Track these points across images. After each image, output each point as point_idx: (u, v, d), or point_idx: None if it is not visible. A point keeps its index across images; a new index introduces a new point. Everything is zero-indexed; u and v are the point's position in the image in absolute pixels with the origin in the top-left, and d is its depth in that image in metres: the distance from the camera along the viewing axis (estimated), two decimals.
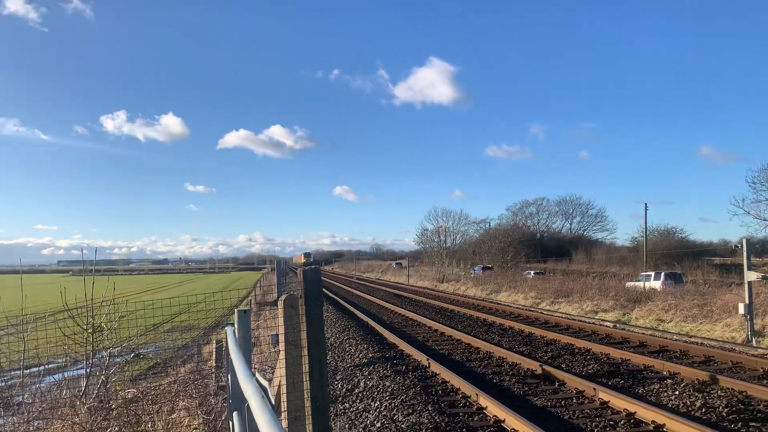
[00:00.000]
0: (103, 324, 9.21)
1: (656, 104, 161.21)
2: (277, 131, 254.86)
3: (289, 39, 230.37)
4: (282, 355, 5.75)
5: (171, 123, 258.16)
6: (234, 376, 3.27)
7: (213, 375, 9.98)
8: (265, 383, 3.36)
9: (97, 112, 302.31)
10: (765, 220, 42.57)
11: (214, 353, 11.24)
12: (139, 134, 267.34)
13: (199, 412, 6.91)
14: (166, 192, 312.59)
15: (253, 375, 2.72)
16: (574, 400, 9.75)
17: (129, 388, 8.18)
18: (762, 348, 15.57)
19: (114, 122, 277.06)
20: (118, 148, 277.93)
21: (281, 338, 5.80)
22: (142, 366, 15.10)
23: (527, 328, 19.21)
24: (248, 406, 2.18)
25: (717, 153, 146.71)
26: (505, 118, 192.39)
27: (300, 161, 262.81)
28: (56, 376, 10.83)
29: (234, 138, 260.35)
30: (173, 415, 6.89)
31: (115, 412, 6.84)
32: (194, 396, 7.53)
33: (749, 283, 17.21)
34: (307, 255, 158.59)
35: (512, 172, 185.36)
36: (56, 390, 9.51)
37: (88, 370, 8.70)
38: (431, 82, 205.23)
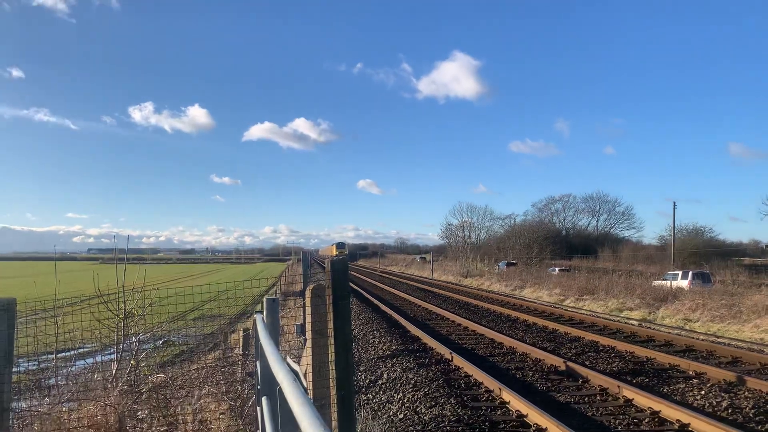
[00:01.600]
0: (134, 310, 9.43)
1: (684, 100, 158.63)
2: (301, 124, 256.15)
3: (312, 32, 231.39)
4: (309, 343, 5.85)
5: (197, 114, 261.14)
6: (264, 361, 3.35)
7: (239, 362, 10.15)
8: (296, 368, 3.44)
9: (125, 103, 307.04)
10: None
11: (241, 341, 11.42)
12: (165, 125, 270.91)
13: (225, 398, 7.05)
14: (193, 183, 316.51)
15: (284, 360, 2.81)
16: (598, 397, 9.72)
17: (158, 374, 8.38)
18: None
19: (141, 113, 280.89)
20: (146, 139, 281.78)
21: (308, 327, 5.90)
22: (170, 352, 15.39)
23: (551, 325, 19.13)
24: (279, 390, 2.25)
25: (747, 151, 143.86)
26: (530, 113, 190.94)
27: (324, 154, 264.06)
28: (88, 360, 11.09)
29: (259, 130, 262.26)
30: (201, 401, 7.04)
31: (144, 396, 7.02)
32: (221, 383, 7.68)
33: None
34: (340, 246, 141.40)
35: (537, 167, 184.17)
36: (87, 373, 9.77)
37: (119, 355, 8.92)
38: (455, 76, 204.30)
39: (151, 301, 10.12)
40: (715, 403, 9.27)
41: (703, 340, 16.30)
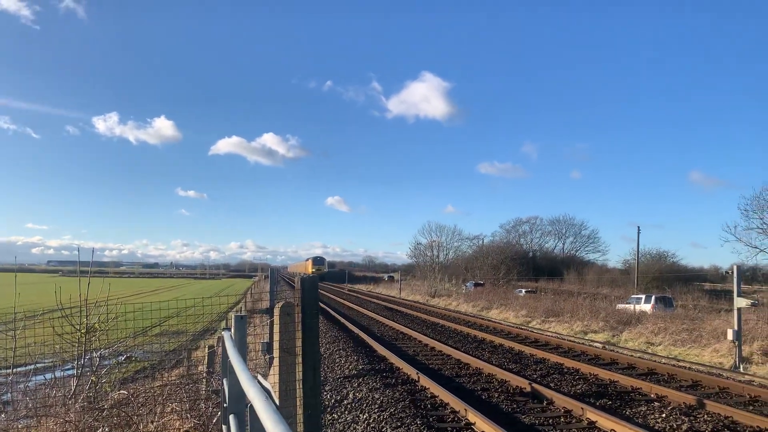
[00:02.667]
0: (96, 325, 9.22)
1: (648, 128, 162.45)
2: (269, 139, 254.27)
3: (282, 47, 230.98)
4: (276, 362, 5.80)
5: (163, 126, 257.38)
6: (232, 379, 3.32)
7: (204, 380, 9.99)
8: (267, 385, 3.41)
9: (89, 113, 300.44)
10: (755, 248, 42.80)
11: (206, 358, 11.24)
12: (130, 136, 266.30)
13: (189, 416, 6.92)
14: (157, 196, 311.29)
15: (255, 377, 2.79)
16: (562, 419, 9.80)
17: (120, 390, 8.19)
18: (749, 374, 15.66)
19: (106, 123, 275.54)
20: (110, 150, 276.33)
21: (276, 345, 5.85)
22: (132, 368, 15.05)
23: (517, 346, 19.26)
24: (250, 408, 2.24)
25: (707, 179, 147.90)
26: (498, 136, 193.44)
27: (292, 170, 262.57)
28: (47, 376, 10.79)
29: (226, 144, 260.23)
30: (164, 419, 6.90)
31: (105, 413, 6.85)
32: (185, 400, 7.55)
33: (739, 309, 17.33)
34: (317, 261, 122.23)
35: (505, 189, 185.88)
36: (46, 389, 9.50)
37: (79, 371, 8.70)
38: (424, 97, 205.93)
39: (115, 315, 9.91)
40: (675, 425, 9.43)
41: (664, 363, 16.57)
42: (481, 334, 23.06)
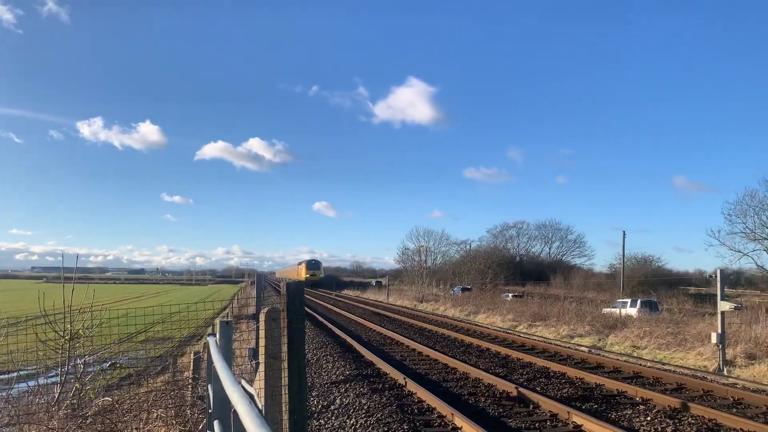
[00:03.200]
0: (80, 331, 9.14)
1: (631, 133, 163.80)
2: (255, 144, 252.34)
3: (267, 52, 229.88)
4: (262, 367, 5.78)
5: (148, 131, 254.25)
6: (217, 384, 3.32)
7: (189, 386, 9.93)
8: (252, 390, 3.41)
9: (73, 118, 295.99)
10: (739, 251, 43.30)
11: (191, 364, 11.18)
12: (115, 141, 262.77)
13: (174, 422, 6.88)
14: (143, 201, 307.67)
15: (239, 383, 2.78)
16: (548, 423, 9.84)
17: (104, 397, 8.11)
18: (732, 377, 15.81)
19: (90, 128, 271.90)
20: (94, 155, 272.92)
21: (262, 351, 5.83)
22: (116, 375, 14.93)
23: (504, 350, 19.32)
24: (234, 413, 2.24)
25: (691, 184, 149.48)
26: (483, 141, 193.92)
27: (279, 175, 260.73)
28: (30, 383, 10.67)
29: (212, 149, 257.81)
30: (149, 426, 6.85)
31: (89, 420, 6.79)
32: (170, 407, 7.49)
33: (722, 313, 17.50)
34: (312, 265, 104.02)
35: (491, 194, 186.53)
36: (29, 396, 9.39)
37: (62, 378, 8.61)
38: (410, 102, 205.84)
39: (99, 321, 9.83)
40: (660, 428, 9.50)
41: (650, 367, 16.69)
42: (468, 339, 23.10)
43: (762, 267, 43.68)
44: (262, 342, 5.85)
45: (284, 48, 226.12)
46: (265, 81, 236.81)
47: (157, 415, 7.10)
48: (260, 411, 2.17)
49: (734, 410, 11.09)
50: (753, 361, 17.49)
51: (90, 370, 10.29)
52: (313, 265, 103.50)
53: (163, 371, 15.88)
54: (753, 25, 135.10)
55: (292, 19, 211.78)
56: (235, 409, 2.35)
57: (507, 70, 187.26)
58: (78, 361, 9.27)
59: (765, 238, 41.88)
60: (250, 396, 2.54)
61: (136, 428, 6.66)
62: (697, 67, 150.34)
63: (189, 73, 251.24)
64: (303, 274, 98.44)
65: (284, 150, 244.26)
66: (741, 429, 9.43)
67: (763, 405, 11.49)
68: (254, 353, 12.20)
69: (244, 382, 3.70)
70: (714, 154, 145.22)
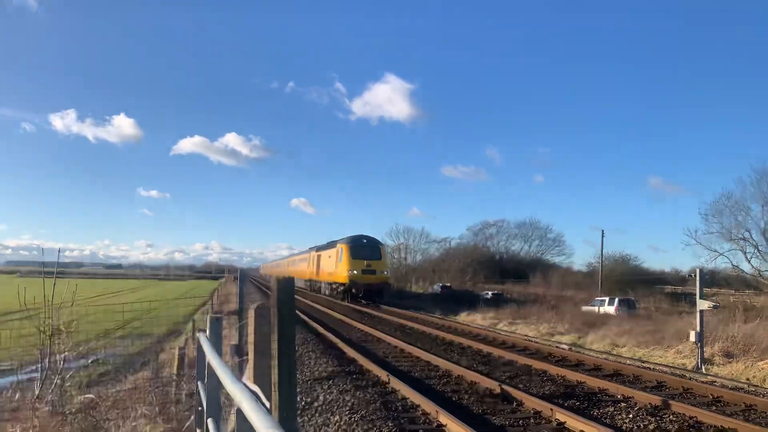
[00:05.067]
0: (62, 327, 8.99)
1: (607, 133, 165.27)
2: (232, 139, 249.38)
3: (243, 47, 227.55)
4: (250, 364, 5.72)
5: (123, 124, 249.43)
6: (213, 381, 3.27)
7: (174, 383, 9.82)
8: (255, 388, 3.36)
9: (46, 110, 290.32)
10: (715, 251, 44.02)
11: (176, 360, 11.06)
12: (89, 134, 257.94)
13: (159, 419, 6.80)
14: (119, 195, 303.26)
15: (241, 380, 2.74)
16: (532, 420, 9.91)
17: (86, 393, 7.99)
18: (711, 375, 16.05)
19: (63, 121, 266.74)
20: (68, 148, 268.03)
21: (249, 347, 5.77)
22: (97, 371, 14.74)
23: (486, 348, 19.40)
24: (238, 411, 2.21)
25: (666, 184, 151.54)
26: (461, 139, 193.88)
27: (256, 171, 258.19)
28: (9, 379, 10.49)
29: (189, 144, 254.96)
30: (133, 423, 6.76)
31: (71, 417, 6.68)
32: (154, 403, 7.40)
33: (701, 311, 17.75)
34: (364, 247, 43.33)
35: (470, 192, 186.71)
36: (9, 393, 9.22)
37: (43, 374, 8.47)
38: (388, 99, 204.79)
39: (80, 317, 9.68)
40: (642, 426, 9.62)
41: (629, 364, 16.88)
42: (449, 336, 23.16)
43: (737, 267, 44.42)
44: (250, 338, 5.79)
45: (260, 43, 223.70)
46: (242, 76, 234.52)
47: (141, 412, 7.01)
48: (268, 410, 2.13)
49: (714, 408, 11.27)
50: (730, 360, 17.79)
51: (70, 366, 10.14)
52: (364, 246, 43.92)
53: (145, 367, 15.72)
54: (726, 26, 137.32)
55: (269, 14, 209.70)
56: (238, 408, 2.31)
57: (484, 68, 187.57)
58: (59, 357, 9.12)
59: (740, 239, 42.59)
60: (255, 395, 2.50)
61: (121, 425, 6.57)
62: (673, 67, 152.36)
63: (165, 67, 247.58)
64: (343, 271, 42.86)
65: (261, 145, 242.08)
66: (721, 426, 9.58)
67: (742, 402, 11.69)
68: (237, 350, 12.11)
69: (245, 380, 3.65)
70: (688, 155, 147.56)
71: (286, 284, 5.64)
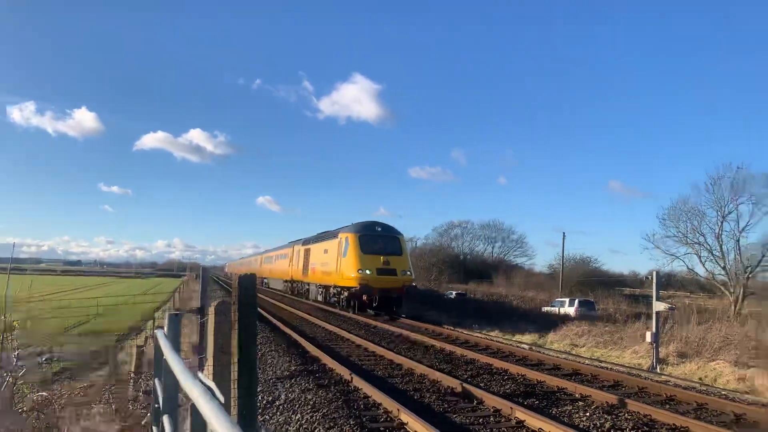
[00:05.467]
0: (16, 323, 8.77)
1: (568, 137, 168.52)
2: (196, 135, 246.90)
3: (209, 43, 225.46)
4: (210, 361, 5.67)
5: (84, 118, 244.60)
6: (170, 378, 3.23)
7: (131, 381, 9.66)
8: (210, 383, 3.33)
9: (3, 102, 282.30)
10: (672, 255, 45.16)
11: (134, 358, 10.88)
12: (48, 127, 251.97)
13: (115, 418, 6.68)
14: (79, 190, 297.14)
15: (196, 376, 2.72)
16: (492, 419, 10.02)
17: (39, 392, 7.81)
18: (665, 375, 16.47)
19: (21, 113, 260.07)
20: (26, 141, 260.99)
21: (210, 344, 5.72)
22: (52, 369, 14.39)
23: (448, 347, 19.54)
24: (192, 407, 2.19)
25: (624, 188, 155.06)
26: (427, 140, 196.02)
27: (221, 168, 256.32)
28: None
29: (152, 139, 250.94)
30: (88, 422, 6.64)
31: (25, 416, 6.52)
32: (111, 401, 7.28)
33: (657, 313, 18.21)
34: (376, 241, 31.06)
35: (436, 193, 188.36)
36: None
37: None
38: (355, 98, 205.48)
39: (36, 313, 9.46)
40: (599, 424, 9.81)
41: (588, 364, 17.20)
42: (413, 335, 23.26)
43: (692, 270, 45.66)
44: (210, 336, 5.74)
45: (227, 39, 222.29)
46: (207, 72, 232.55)
47: (98, 411, 6.88)
48: (222, 405, 2.12)
49: (667, 406, 11.56)
50: (684, 360, 18.29)
51: (23, 363, 9.88)
52: (380, 236, 32.07)
53: (102, 366, 15.42)
54: (687, 32, 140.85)
55: (237, 11, 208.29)
56: (192, 404, 2.29)
57: (450, 71, 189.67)
58: (12, 354, 8.89)
59: (696, 243, 43.73)
60: (210, 390, 2.48)
61: (76, 424, 6.44)
62: (632, 71, 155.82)
63: (128, 61, 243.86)
64: (350, 270, 30.54)
65: (226, 142, 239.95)
66: (674, 424, 9.83)
67: (694, 401, 12.02)
68: (197, 348, 11.96)
69: (201, 375, 3.62)
70: (646, 160, 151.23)
71: (248, 281, 5.61)
